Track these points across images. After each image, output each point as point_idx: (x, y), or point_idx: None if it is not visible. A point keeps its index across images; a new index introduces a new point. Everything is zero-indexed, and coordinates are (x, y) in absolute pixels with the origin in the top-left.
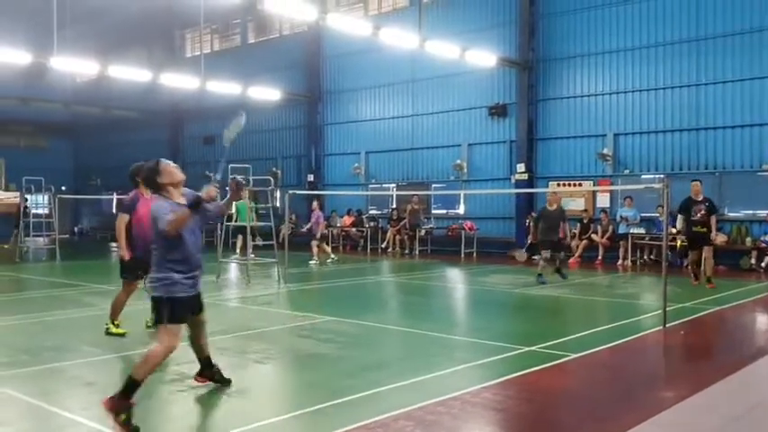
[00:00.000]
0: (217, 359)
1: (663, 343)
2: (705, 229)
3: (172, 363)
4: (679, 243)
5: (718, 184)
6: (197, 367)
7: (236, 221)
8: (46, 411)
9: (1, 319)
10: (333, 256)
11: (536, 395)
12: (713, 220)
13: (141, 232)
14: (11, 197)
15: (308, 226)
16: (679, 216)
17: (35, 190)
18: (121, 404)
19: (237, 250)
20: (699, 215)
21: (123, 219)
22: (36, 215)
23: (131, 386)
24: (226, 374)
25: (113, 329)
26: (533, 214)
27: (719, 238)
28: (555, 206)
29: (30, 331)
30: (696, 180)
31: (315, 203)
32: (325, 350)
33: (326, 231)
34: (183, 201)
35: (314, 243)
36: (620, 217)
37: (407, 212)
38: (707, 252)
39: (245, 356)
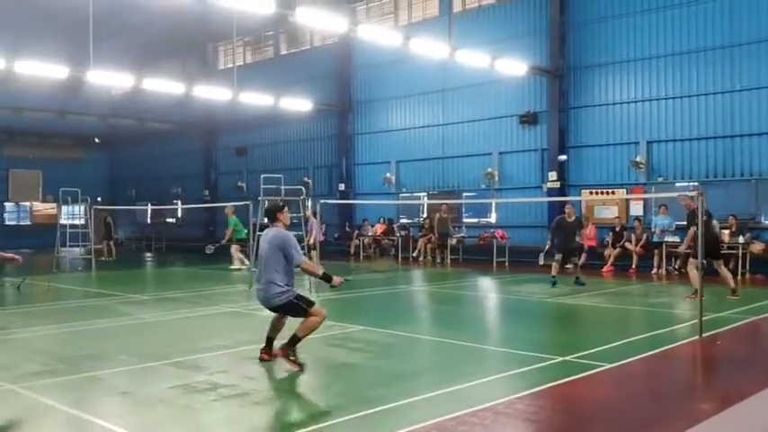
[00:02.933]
0: (249, 368)
1: (699, 353)
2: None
3: (203, 372)
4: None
5: (754, 191)
6: (227, 377)
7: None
8: (82, 420)
9: (38, 328)
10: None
11: (570, 406)
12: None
13: None
14: (48, 208)
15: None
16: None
17: (71, 201)
18: (290, 351)
19: (246, 260)
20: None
21: None
22: (72, 226)
23: (294, 340)
24: (257, 384)
25: None
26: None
27: (756, 247)
28: (572, 218)
29: (66, 340)
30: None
31: (309, 210)
32: (356, 359)
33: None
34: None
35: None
36: (659, 230)
37: (436, 221)
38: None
39: (277, 366)
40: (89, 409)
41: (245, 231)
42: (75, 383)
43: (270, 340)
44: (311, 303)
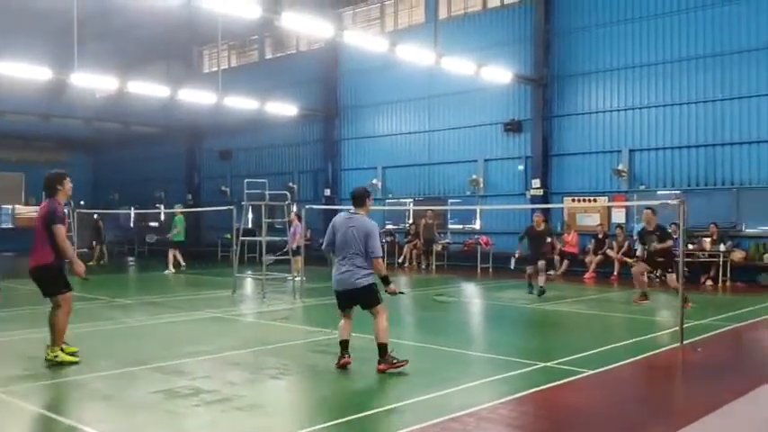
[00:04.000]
0: (232, 374)
1: (680, 360)
2: (662, 259)
3: (186, 377)
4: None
5: (736, 200)
6: (210, 382)
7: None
8: (63, 425)
9: (21, 332)
10: (295, 274)
11: (552, 412)
12: (667, 244)
13: None
14: (32, 211)
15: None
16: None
17: None
18: (388, 359)
19: (171, 267)
20: (652, 247)
21: None
22: None
23: (384, 349)
24: (240, 390)
25: None
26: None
27: (737, 255)
28: (541, 227)
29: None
30: (648, 209)
31: (293, 214)
32: None
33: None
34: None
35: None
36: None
37: (422, 227)
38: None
39: (260, 371)
40: (71, 414)
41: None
42: (56, 388)
43: (345, 344)
44: (381, 297)
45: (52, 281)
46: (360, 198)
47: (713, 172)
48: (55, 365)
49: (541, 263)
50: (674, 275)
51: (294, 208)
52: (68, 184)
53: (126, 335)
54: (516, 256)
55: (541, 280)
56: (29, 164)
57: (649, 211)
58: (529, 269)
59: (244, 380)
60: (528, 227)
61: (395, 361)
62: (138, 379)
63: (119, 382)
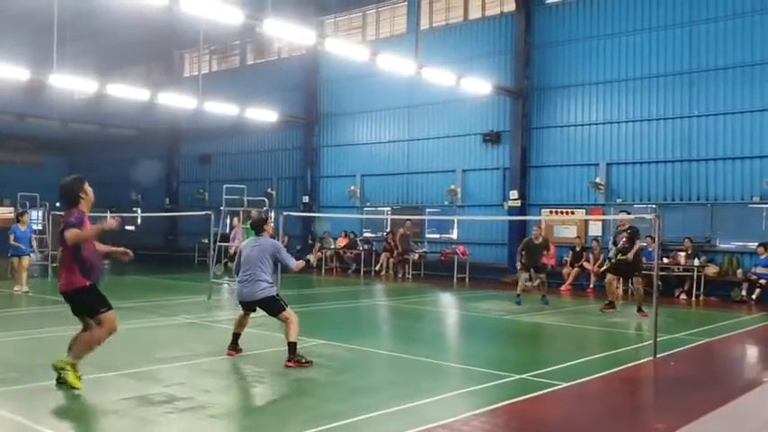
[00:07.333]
0: (207, 381)
1: (653, 374)
2: (626, 257)
3: (159, 384)
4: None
5: (710, 215)
6: (184, 389)
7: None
8: (34, 431)
9: None
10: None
11: (526, 424)
12: (635, 246)
13: None
14: (5, 212)
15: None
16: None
17: (30, 206)
18: (295, 357)
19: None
20: (620, 243)
21: None
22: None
23: (293, 347)
24: (214, 397)
25: None
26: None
27: (711, 270)
28: (539, 240)
29: (20, 348)
30: (623, 211)
31: (235, 219)
32: (314, 374)
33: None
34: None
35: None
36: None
37: (398, 237)
38: (635, 282)
39: (234, 379)
40: (41, 420)
41: None
42: (27, 393)
43: (236, 336)
44: (287, 304)
45: (89, 302)
46: (258, 225)
47: (688, 187)
48: (25, 369)
49: (543, 276)
50: (640, 279)
51: (273, 214)
52: (90, 191)
53: None
54: (519, 267)
55: (543, 289)
56: (4, 164)
57: (624, 213)
58: (524, 274)
59: (218, 387)
60: (527, 239)
61: (302, 360)
62: (111, 385)
63: (91, 387)
